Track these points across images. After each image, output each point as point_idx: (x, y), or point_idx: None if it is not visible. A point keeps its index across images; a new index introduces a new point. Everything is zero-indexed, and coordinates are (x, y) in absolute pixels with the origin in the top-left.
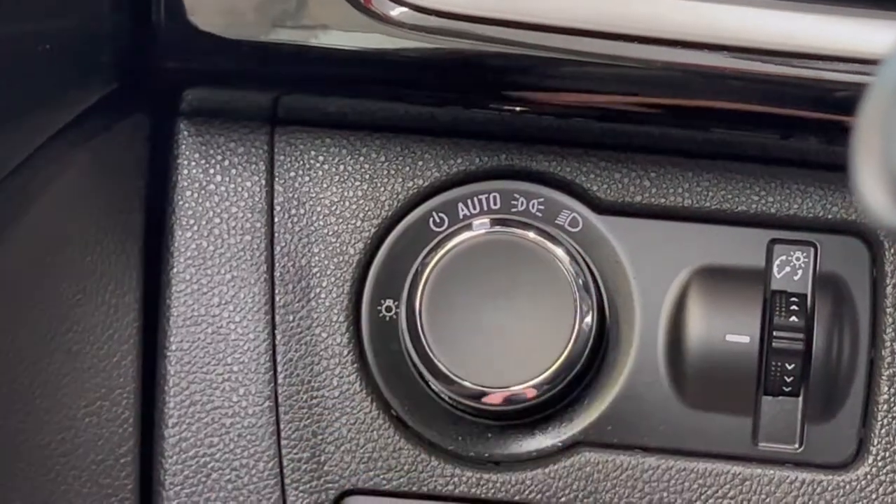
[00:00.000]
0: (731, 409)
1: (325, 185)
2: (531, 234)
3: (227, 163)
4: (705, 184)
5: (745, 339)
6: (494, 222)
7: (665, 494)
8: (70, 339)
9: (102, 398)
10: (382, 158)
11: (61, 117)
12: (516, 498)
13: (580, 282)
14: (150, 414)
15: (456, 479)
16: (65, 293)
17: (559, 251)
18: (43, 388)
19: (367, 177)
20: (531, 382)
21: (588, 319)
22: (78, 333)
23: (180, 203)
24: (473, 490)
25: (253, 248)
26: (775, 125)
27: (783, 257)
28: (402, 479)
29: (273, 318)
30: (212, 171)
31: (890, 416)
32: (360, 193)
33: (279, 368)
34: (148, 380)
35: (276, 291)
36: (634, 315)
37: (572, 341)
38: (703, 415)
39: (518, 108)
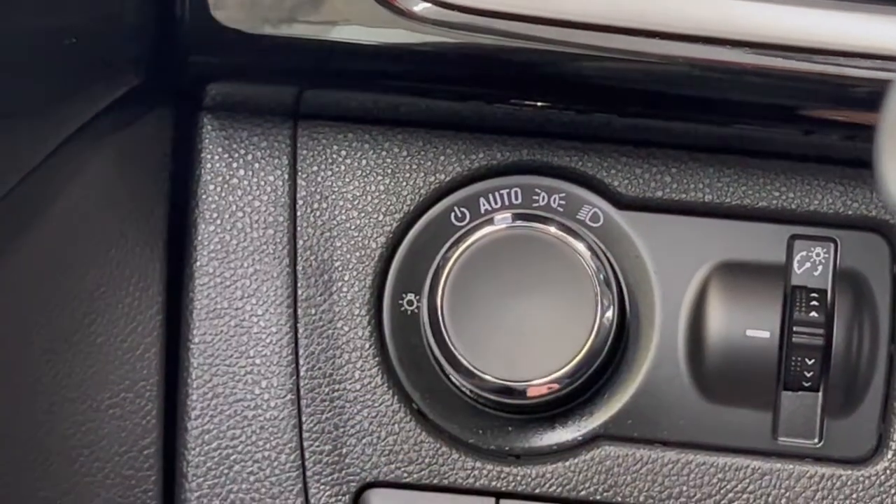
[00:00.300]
0: (751, 404)
1: (347, 180)
2: (552, 229)
3: (250, 157)
4: (726, 179)
5: (766, 334)
6: (516, 217)
7: (685, 488)
8: (94, 332)
9: (126, 390)
10: (405, 153)
11: (86, 111)
12: (536, 491)
13: (601, 276)
14: (172, 406)
15: (476, 472)
16: (89, 285)
17: (580, 246)
18: (67, 379)
19: (390, 171)
20: (552, 376)
21: (609, 314)
22: (101, 326)
23: (203, 197)
24: (494, 483)
25: (275, 242)
26: (797, 121)
27: (803, 253)
28: (422, 472)
29: (295, 311)
30: (235, 165)
31: None
32: (382, 188)
33: (301, 361)
34: (171, 372)
35: (299, 285)
36: (655, 310)
37: (593, 336)
38: (723, 409)
39: (540, 104)
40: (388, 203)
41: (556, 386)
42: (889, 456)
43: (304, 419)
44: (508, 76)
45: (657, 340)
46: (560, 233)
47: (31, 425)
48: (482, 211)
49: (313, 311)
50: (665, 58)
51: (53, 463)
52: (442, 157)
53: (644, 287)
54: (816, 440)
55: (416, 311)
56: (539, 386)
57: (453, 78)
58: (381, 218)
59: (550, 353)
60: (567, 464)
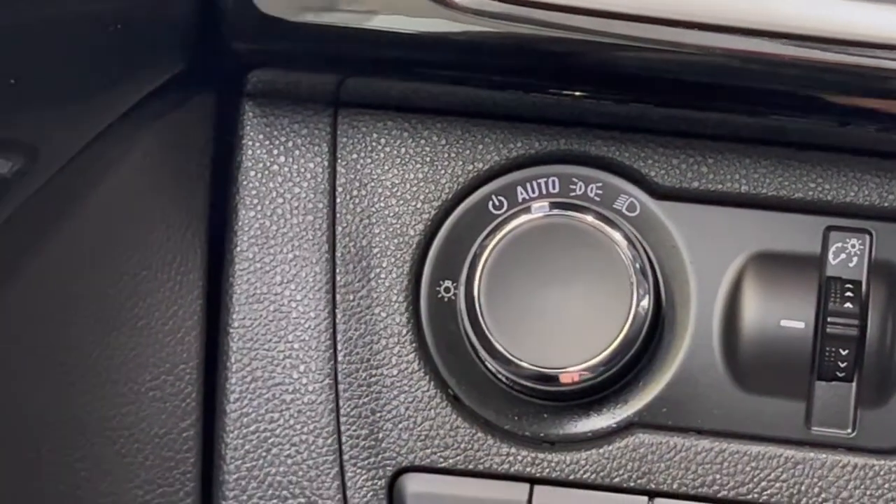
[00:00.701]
0: (785, 394)
1: (386, 168)
2: (589, 218)
3: (290, 144)
4: (762, 170)
5: (800, 325)
6: (553, 206)
7: (718, 476)
8: (135, 315)
9: (166, 373)
10: (443, 142)
11: (130, 97)
12: (571, 477)
13: (637, 266)
14: (212, 389)
15: (511, 457)
16: (131, 269)
17: (617, 235)
18: (108, 362)
19: (428, 160)
20: (586, 364)
21: (644, 303)
22: (143, 309)
23: (244, 183)
24: (528, 469)
25: (315, 228)
26: (833, 112)
27: (839, 244)
28: (458, 457)
29: (334, 297)
30: (275, 151)
31: None
32: (420, 176)
33: (339, 346)
34: (210, 356)
35: (338, 271)
36: (690, 299)
37: (628, 324)
38: (757, 399)
39: (578, 93)
40: (427, 191)
41: (590, 373)
42: None
43: (341, 403)
44: (547, 66)
45: (692, 330)
46: (597, 222)
47: (74, 406)
48: (520, 199)
49: (351, 297)
50: (703, 48)
51: (95, 444)
52: (480, 146)
53: (680, 277)
54: (850, 430)
55: (453, 297)
56: (573, 373)
57: (493, 67)
58: (419, 205)
59: (585, 341)
60: (601, 451)
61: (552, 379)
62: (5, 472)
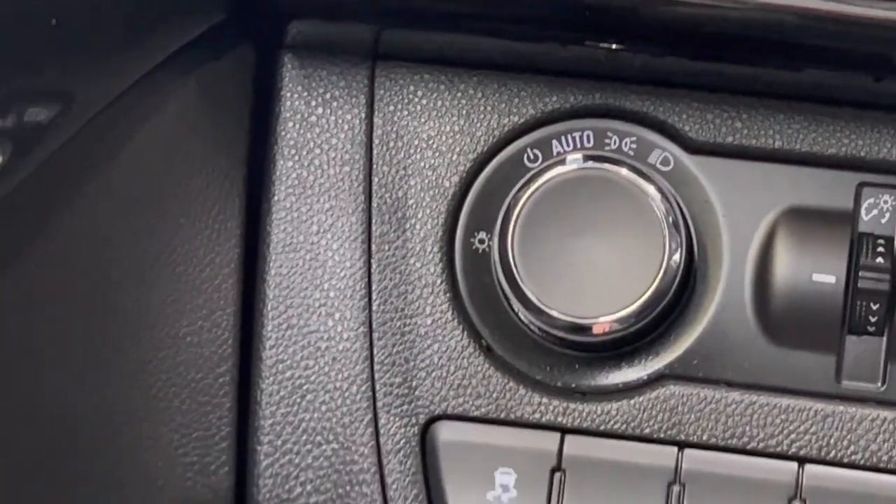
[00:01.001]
0: (816, 348)
1: (423, 120)
2: (623, 171)
3: (328, 96)
4: (796, 126)
5: (832, 279)
6: (587, 159)
7: (748, 428)
8: (174, 262)
9: (203, 319)
10: (479, 95)
11: (170, 44)
12: (601, 427)
13: (670, 220)
14: (248, 336)
15: (543, 407)
16: (170, 217)
17: (650, 189)
18: (146, 306)
19: (464, 112)
20: (619, 315)
21: (676, 257)
22: (181, 255)
23: (283, 134)
24: (560, 419)
25: (351, 179)
26: (868, 67)
27: (871, 200)
28: (490, 406)
29: (369, 247)
30: (314, 103)
31: None
32: (456, 129)
33: (374, 296)
34: (247, 303)
35: (373, 221)
36: (722, 253)
37: (660, 277)
38: (787, 352)
39: (613, 46)
40: (463, 143)
41: (621, 324)
42: None
43: (375, 352)
44: (583, 17)
45: (724, 283)
46: (631, 175)
47: (112, 350)
48: (554, 153)
49: (387, 248)
50: (738, 1)
51: (133, 387)
52: (516, 100)
53: (712, 231)
54: (879, 384)
55: (487, 249)
56: (605, 323)
57: (530, 18)
58: (454, 158)
59: (617, 293)
60: (632, 402)
61: (584, 329)
62: (45, 414)
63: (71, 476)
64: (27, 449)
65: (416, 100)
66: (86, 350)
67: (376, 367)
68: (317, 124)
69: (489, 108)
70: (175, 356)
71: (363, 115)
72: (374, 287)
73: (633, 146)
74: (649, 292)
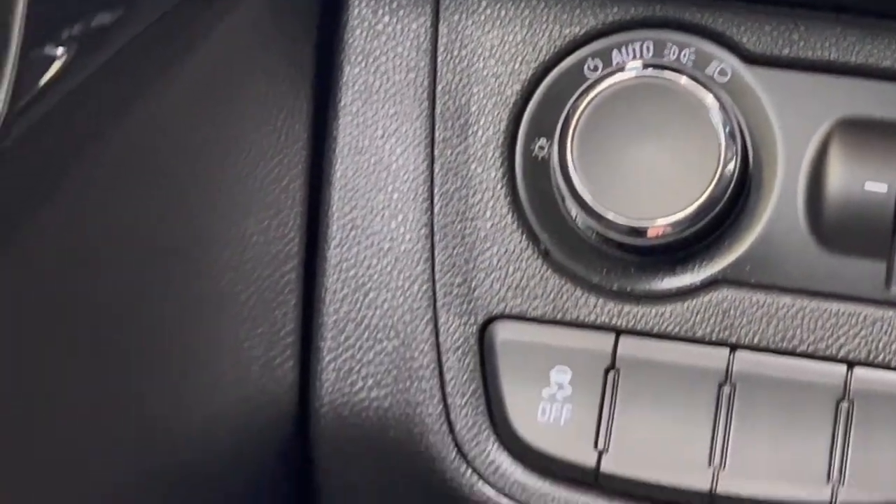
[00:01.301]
0: (867, 255)
1: (486, 29)
2: (682, 80)
3: (395, 4)
4: (852, 38)
5: (883, 188)
6: (647, 67)
7: (798, 332)
8: (241, 161)
9: (270, 218)
10: (542, 6)
11: None
12: (655, 329)
13: (727, 129)
14: (313, 236)
15: (598, 309)
16: (238, 118)
17: (708, 98)
18: (214, 205)
19: (527, 23)
20: (673, 219)
21: (731, 165)
22: (249, 156)
23: (350, 41)
24: (615, 321)
25: (416, 86)
26: None
27: None
28: (546, 308)
29: (432, 151)
30: (380, 12)
31: None
32: (519, 38)
33: (436, 199)
34: (313, 205)
35: (436, 127)
36: (777, 163)
37: (714, 184)
38: (838, 259)
39: None
40: (525, 53)
41: (676, 228)
42: None
43: (436, 253)
44: None
45: (778, 192)
46: (689, 83)
47: (181, 247)
48: (614, 63)
49: (449, 152)
50: None
51: (199, 283)
52: (577, 11)
53: (768, 140)
54: None
55: (546, 155)
56: (660, 227)
57: None
58: (517, 66)
59: (672, 198)
60: (685, 305)
61: (639, 233)
62: (117, 309)
63: (143, 369)
64: (101, 342)
65: (481, 10)
66: (156, 246)
67: (437, 267)
68: (383, 32)
69: (551, 19)
70: (242, 254)
71: (428, 24)
72: (436, 190)
73: (692, 57)
74: (703, 198)
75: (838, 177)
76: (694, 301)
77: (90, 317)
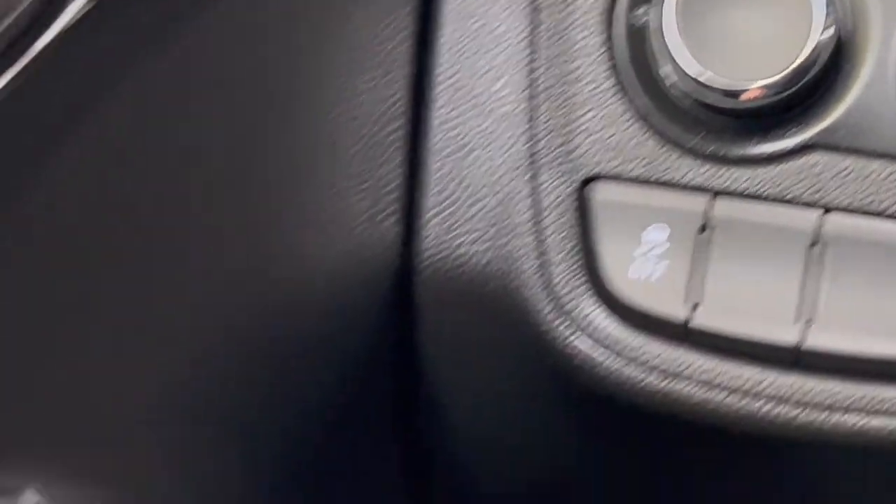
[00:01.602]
0: None
1: None
2: None
3: None
4: None
5: None
6: None
7: (887, 195)
8: (352, 23)
9: (380, 77)
10: None
11: None
12: (748, 190)
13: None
14: (420, 96)
15: (693, 171)
16: None
17: None
18: (328, 65)
19: None
20: (768, 81)
21: (829, 32)
22: (360, 19)
23: None
24: (709, 182)
25: None
26: None
27: None
28: (644, 169)
29: (535, 18)
30: None
31: None
32: None
33: (537, 63)
34: (420, 66)
35: None
36: (871, 32)
37: (809, 50)
38: None
39: None
40: None
41: (769, 90)
42: None
43: (537, 115)
44: None
45: (872, 60)
46: None
47: (298, 97)
48: None
49: (552, 18)
50: None
51: (314, 132)
52: None
53: (865, 6)
54: None
55: (645, 23)
56: (755, 89)
57: None
58: None
59: (768, 63)
60: (779, 168)
61: (735, 95)
62: (235, 151)
63: (257, 221)
64: (214, 194)
65: None
66: (271, 96)
67: (538, 128)
68: None
69: None
70: (352, 110)
71: None
72: (537, 55)
73: None
74: (799, 62)
75: None
76: (787, 165)
77: (204, 169)
